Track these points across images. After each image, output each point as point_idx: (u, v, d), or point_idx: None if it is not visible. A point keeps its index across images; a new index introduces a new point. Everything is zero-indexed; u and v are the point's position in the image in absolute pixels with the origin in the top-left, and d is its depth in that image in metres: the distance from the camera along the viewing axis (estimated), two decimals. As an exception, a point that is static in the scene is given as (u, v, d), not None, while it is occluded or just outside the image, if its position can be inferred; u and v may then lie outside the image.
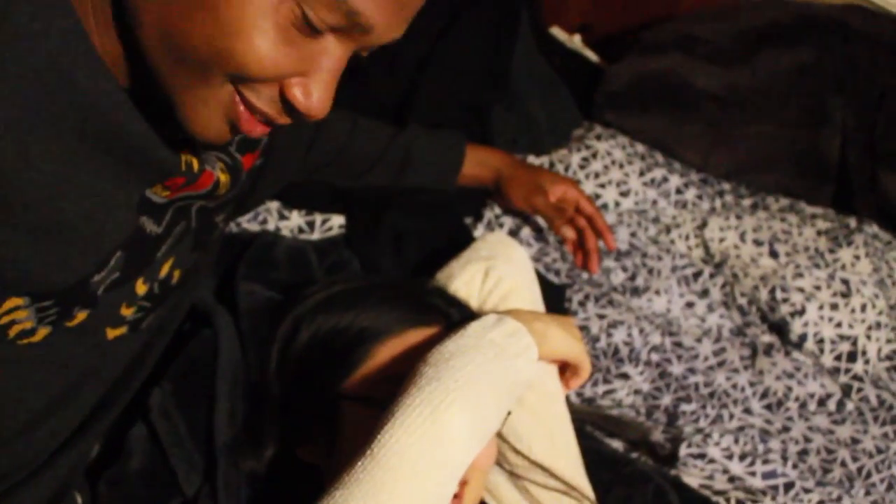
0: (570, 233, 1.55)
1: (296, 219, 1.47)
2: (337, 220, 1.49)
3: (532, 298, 1.28)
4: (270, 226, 1.45)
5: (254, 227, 1.44)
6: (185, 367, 1.12)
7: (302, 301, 1.13)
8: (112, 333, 0.90)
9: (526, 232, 1.65)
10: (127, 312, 0.90)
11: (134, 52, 0.75)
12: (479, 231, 1.63)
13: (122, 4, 0.73)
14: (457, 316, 1.12)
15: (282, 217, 1.46)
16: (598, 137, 1.85)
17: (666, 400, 1.49)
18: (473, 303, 1.23)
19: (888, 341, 1.66)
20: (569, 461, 1.18)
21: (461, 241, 1.47)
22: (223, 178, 0.91)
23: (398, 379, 0.98)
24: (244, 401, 1.12)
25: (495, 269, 1.26)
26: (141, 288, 0.90)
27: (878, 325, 1.65)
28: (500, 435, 1.13)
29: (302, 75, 0.73)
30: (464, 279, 1.26)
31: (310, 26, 0.70)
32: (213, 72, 0.71)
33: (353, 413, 1.01)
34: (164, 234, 0.89)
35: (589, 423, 1.36)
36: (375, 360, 1.04)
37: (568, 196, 1.54)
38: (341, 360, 1.05)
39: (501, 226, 1.64)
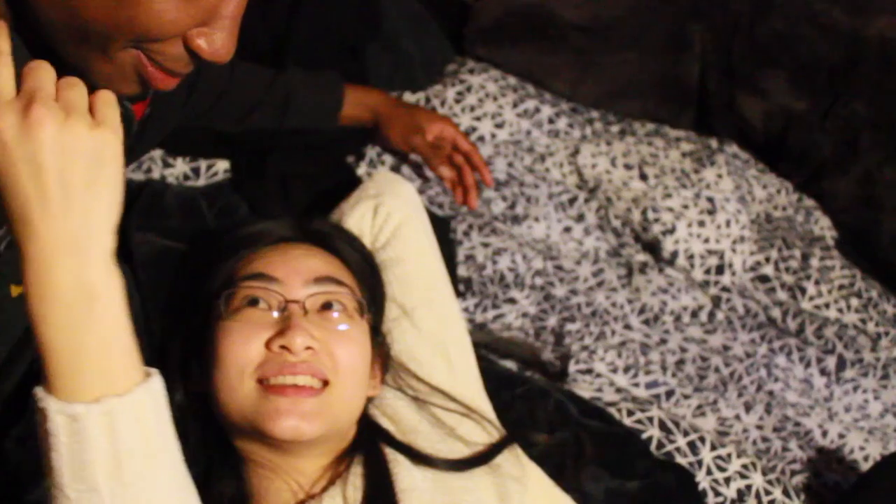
0: (447, 172, 1.58)
1: (181, 166, 1.46)
2: (222, 165, 1.48)
3: (423, 229, 1.31)
4: (155, 174, 1.44)
5: (139, 176, 1.42)
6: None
7: (198, 254, 1.13)
8: (16, 290, 0.89)
9: (407, 168, 1.68)
10: None
11: (30, 26, 0.74)
12: (361, 169, 1.64)
13: None
14: (347, 250, 1.14)
15: (166, 165, 1.45)
16: (472, 72, 1.89)
17: (552, 321, 1.55)
18: (366, 240, 1.25)
19: (751, 253, 1.76)
20: (468, 384, 1.22)
21: (345, 181, 1.49)
22: (118, 127, 0.91)
23: (269, 279, 1.00)
24: (147, 349, 1.12)
25: (384, 206, 1.29)
26: None
27: (742, 238, 1.75)
28: (401, 363, 1.17)
29: (203, 25, 0.74)
30: (354, 218, 1.29)
31: None
32: (118, 40, 0.72)
33: (224, 318, 1.01)
34: None
35: (482, 346, 1.41)
36: (252, 262, 1.05)
37: (445, 134, 1.57)
38: (218, 268, 1.06)
39: (383, 163, 1.66)
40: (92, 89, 0.78)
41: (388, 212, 1.28)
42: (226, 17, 0.75)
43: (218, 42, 0.75)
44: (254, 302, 1.00)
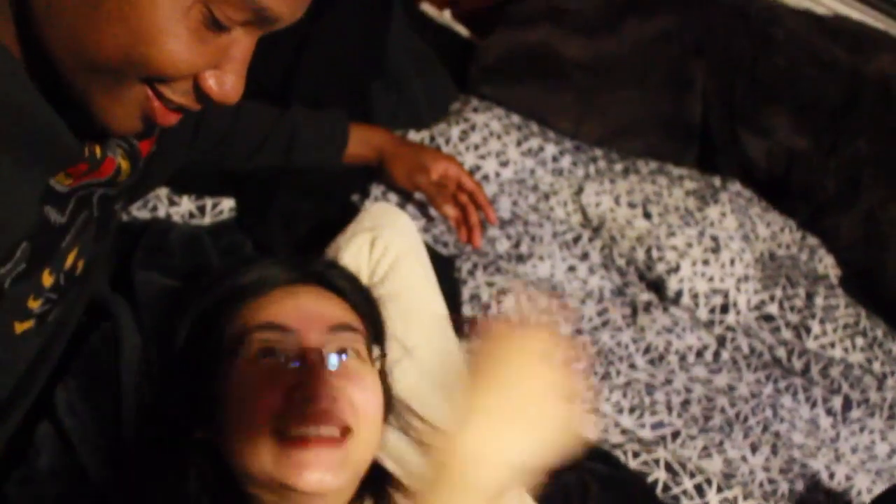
0: (451, 210, 1.58)
1: (186, 204, 1.45)
2: (227, 204, 1.48)
3: (421, 262, 1.30)
4: (161, 212, 1.43)
5: (144, 214, 1.42)
6: (88, 361, 1.10)
7: (200, 298, 1.11)
8: (20, 328, 0.88)
9: (412, 207, 1.68)
10: (34, 305, 0.88)
11: (37, 55, 0.75)
12: (366, 208, 1.64)
13: (25, 12, 0.73)
14: (352, 291, 1.13)
15: (172, 203, 1.44)
16: (476, 110, 1.89)
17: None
18: (364, 274, 1.24)
19: (756, 292, 1.75)
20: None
21: (350, 219, 1.49)
22: (124, 164, 0.91)
23: (284, 329, 0.99)
24: (149, 390, 1.11)
25: (381, 238, 1.28)
26: (47, 279, 0.88)
27: (746, 277, 1.74)
28: (403, 402, 1.16)
29: (215, 67, 0.75)
30: (351, 252, 1.28)
31: (219, 25, 0.72)
32: (128, 76, 0.73)
33: (238, 368, 1.00)
34: (68, 223, 0.88)
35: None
36: (262, 309, 1.04)
37: (449, 173, 1.57)
38: (226, 316, 1.04)
39: (388, 201, 1.66)
40: (94, 124, 0.78)
41: (386, 245, 1.27)
42: (236, 59, 0.76)
43: (228, 83, 0.76)
44: (269, 352, 0.99)
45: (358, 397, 0.98)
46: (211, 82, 0.76)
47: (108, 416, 1.08)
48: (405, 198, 1.67)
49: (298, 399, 0.94)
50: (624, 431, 1.45)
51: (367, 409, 0.99)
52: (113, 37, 0.70)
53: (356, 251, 1.27)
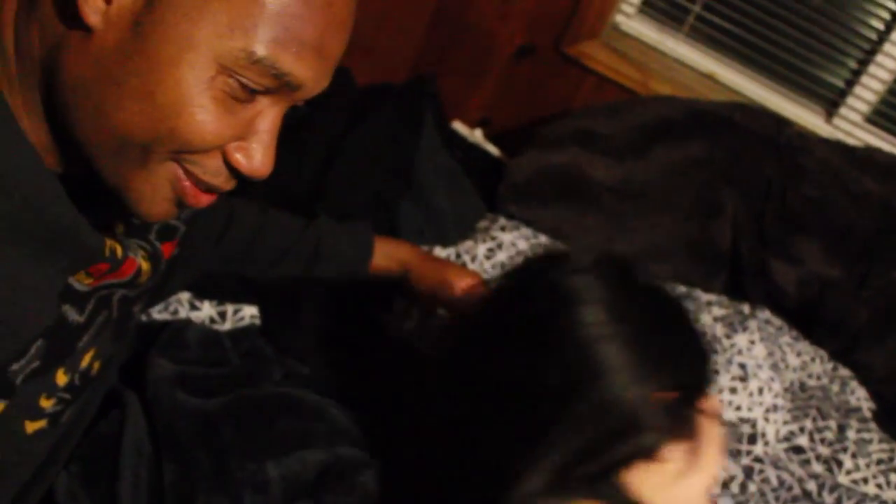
0: None
1: (207, 309, 1.45)
2: (249, 311, 1.47)
3: None
4: (181, 315, 1.42)
5: (164, 317, 1.42)
6: (93, 447, 1.09)
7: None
8: (31, 427, 0.87)
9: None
10: (46, 404, 0.87)
11: (66, 141, 0.75)
12: (388, 322, 1.63)
13: (52, 98, 0.74)
14: None
15: (193, 307, 1.44)
16: (503, 229, 1.89)
17: (578, 485, 1.51)
18: None
19: (785, 423, 1.71)
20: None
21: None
22: (145, 265, 0.91)
23: None
24: (148, 471, 1.09)
25: None
26: (61, 378, 0.87)
27: (775, 407, 1.70)
28: None
29: (242, 139, 0.75)
30: None
31: (245, 91, 0.73)
32: (156, 152, 0.73)
33: None
34: (86, 323, 0.87)
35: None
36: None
37: (474, 290, 1.56)
38: None
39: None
40: (128, 210, 0.79)
41: None
42: (263, 131, 0.76)
43: (256, 156, 0.77)
44: None
45: None
46: (239, 156, 0.76)
47: (108, 499, 1.06)
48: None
49: None
50: (646, 562, 1.40)
51: None
52: (139, 113, 0.70)
53: None
